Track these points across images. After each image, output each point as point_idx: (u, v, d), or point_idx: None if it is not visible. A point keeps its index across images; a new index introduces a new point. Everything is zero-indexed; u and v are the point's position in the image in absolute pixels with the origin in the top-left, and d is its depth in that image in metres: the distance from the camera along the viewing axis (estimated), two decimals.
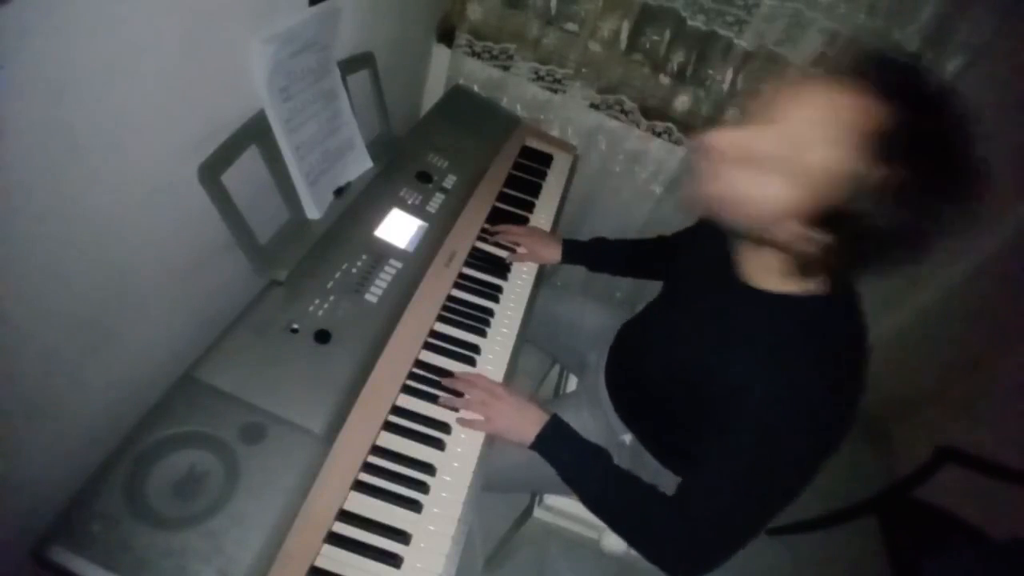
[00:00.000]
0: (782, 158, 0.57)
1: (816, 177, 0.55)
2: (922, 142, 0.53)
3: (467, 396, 0.85)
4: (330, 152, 0.93)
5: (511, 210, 1.21)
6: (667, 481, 0.84)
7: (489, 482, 0.83)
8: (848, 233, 0.56)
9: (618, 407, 0.97)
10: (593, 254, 1.16)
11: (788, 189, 0.57)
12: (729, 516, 0.70)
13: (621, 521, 0.80)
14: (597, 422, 0.98)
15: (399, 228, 0.96)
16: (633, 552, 1.04)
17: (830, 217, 0.56)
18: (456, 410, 0.85)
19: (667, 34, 1.32)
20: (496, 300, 1.03)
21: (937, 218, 0.54)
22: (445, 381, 0.86)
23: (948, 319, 1.70)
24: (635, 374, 0.92)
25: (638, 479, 0.80)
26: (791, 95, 0.59)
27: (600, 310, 1.19)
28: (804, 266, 0.63)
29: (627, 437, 0.96)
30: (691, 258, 0.90)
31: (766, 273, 0.68)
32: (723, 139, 0.63)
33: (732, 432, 0.67)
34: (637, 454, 0.94)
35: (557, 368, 1.37)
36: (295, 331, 0.77)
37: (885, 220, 0.54)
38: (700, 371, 0.72)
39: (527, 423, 0.83)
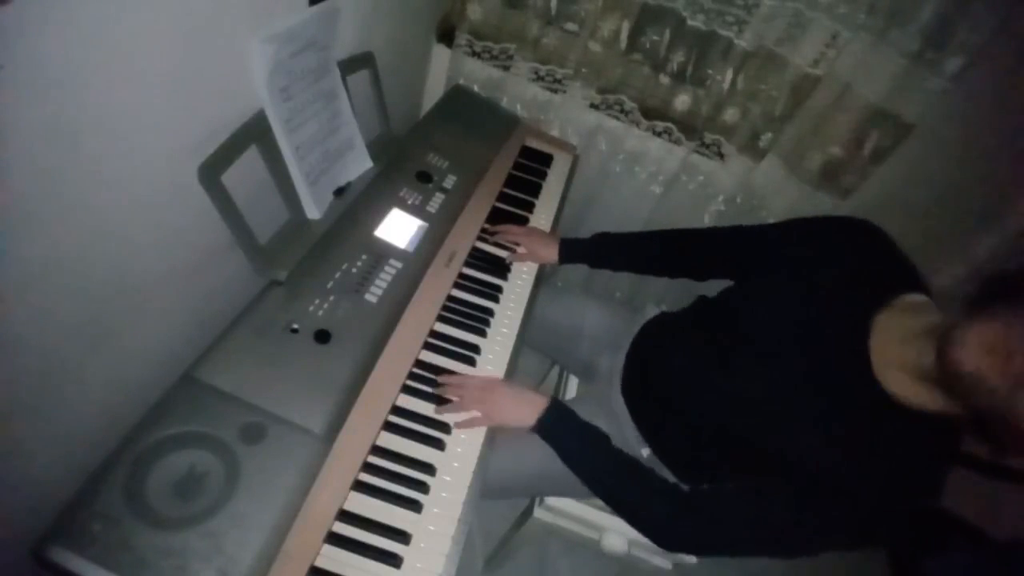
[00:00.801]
0: None
1: None
2: None
3: (464, 397, 0.85)
4: (330, 152, 0.93)
5: (511, 210, 1.21)
6: None
7: (487, 489, 0.83)
8: None
9: (639, 421, 0.94)
10: (594, 250, 1.12)
11: None
12: (735, 529, 0.71)
13: (621, 502, 0.81)
14: (611, 433, 0.90)
15: (399, 228, 0.96)
16: (633, 552, 1.05)
17: None
18: (455, 411, 0.85)
19: (667, 34, 1.32)
20: (496, 300, 1.03)
21: None
22: (436, 390, 0.86)
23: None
24: (673, 400, 0.88)
25: (640, 463, 0.81)
26: None
27: (601, 310, 1.17)
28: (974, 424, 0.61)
29: (645, 451, 0.93)
30: (785, 305, 0.80)
31: (899, 371, 0.65)
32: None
33: (798, 487, 0.68)
34: (653, 467, 0.90)
35: (557, 369, 1.37)
36: (295, 331, 0.77)
37: None
38: (791, 448, 0.70)
39: (526, 407, 0.84)
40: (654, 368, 0.94)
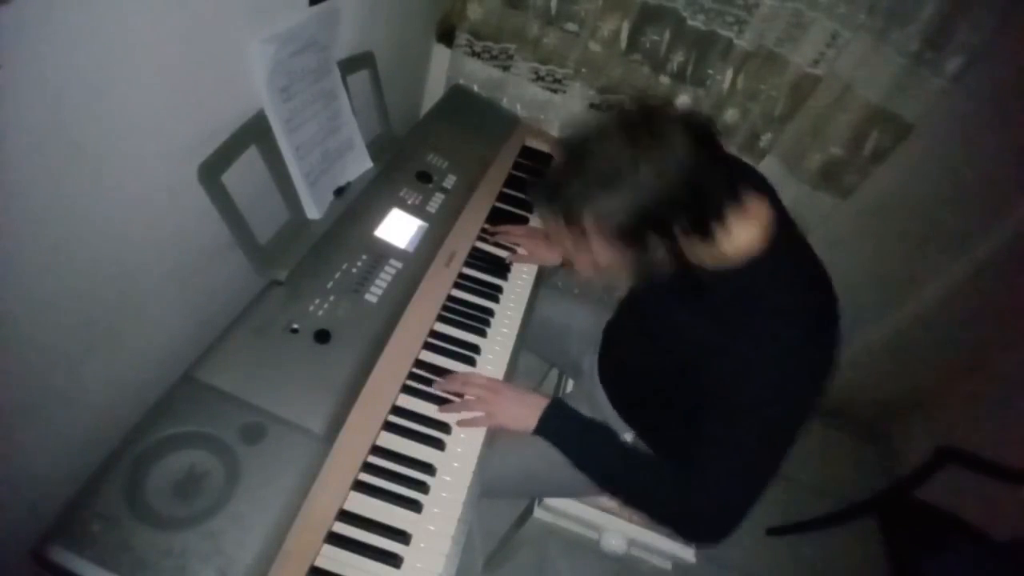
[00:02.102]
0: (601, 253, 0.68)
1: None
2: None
3: (466, 396, 0.85)
4: (330, 152, 0.93)
5: (511, 210, 1.21)
6: None
7: (488, 488, 0.83)
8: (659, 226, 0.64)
9: (615, 404, 0.97)
10: None
11: (621, 253, 0.67)
12: (739, 474, 0.72)
13: (635, 497, 0.81)
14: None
15: (399, 228, 0.96)
16: (633, 552, 1.05)
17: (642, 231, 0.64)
18: (457, 410, 0.85)
19: (667, 34, 1.32)
20: (496, 300, 1.03)
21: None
22: (437, 385, 0.86)
23: (948, 319, 1.70)
24: (624, 369, 0.95)
25: (644, 454, 0.82)
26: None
27: (589, 312, 1.19)
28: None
29: (628, 436, 0.96)
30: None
31: (696, 259, 0.70)
32: (579, 265, 0.74)
33: (718, 410, 0.71)
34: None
35: (557, 370, 1.36)
36: (295, 331, 0.77)
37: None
38: (680, 353, 0.77)
39: (528, 410, 0.84)
40: (613, 344, 1.00)
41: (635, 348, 0.93)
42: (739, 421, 0.70)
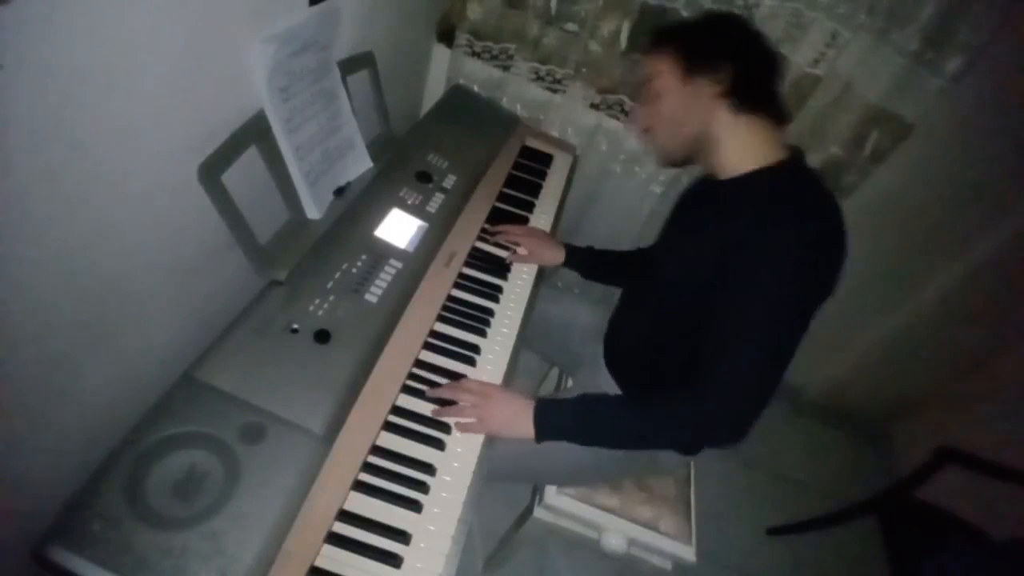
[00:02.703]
0: (667, 95, 0.84)
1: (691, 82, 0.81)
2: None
3: (458, 402, 0.84)
4: (330, 152, 0.93)
5: (511, 210, 1.21)
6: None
7: (492, 472, 0.83)
8: (731, 76, 0.79)
9: (621, 382, 0.99)
10: (587, 261, 1.18)
11: (684, 97, 0.82)
12: (748, 369, 0.72)
13: (650, 435, 0.81)
14: None
15: (399, 228, 0.96)
16: (633, 552, 1.05)
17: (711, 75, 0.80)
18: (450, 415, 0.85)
19: None
20: (496, 300, 1.03)
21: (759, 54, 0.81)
22: (430, 393, 0.85)
23: (948, 319, 1.70)
24: (633, 341, 0.99)
25: (638, 398, 0.84)
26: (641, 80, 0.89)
27: (590, 310, 1.20)
28: (739, 105, 0.80)
29: None
30: (671, 226, 1.02)
31: (727, 164, 0.83)
32: (642, 116, 0.90)
33: (733, 301, 0.74)
34: None
35: (557, 369, 1.37)
36: (295, 331, 0.77)
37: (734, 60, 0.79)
38: (698, 264, 0.82)
39: (517, 417, 0.83)
40: (621, 324, 1.05)
41: (647, 310, 0.96)
42: (755, 304, 0.72)
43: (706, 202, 0.91)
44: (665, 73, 0.83)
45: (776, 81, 0.82)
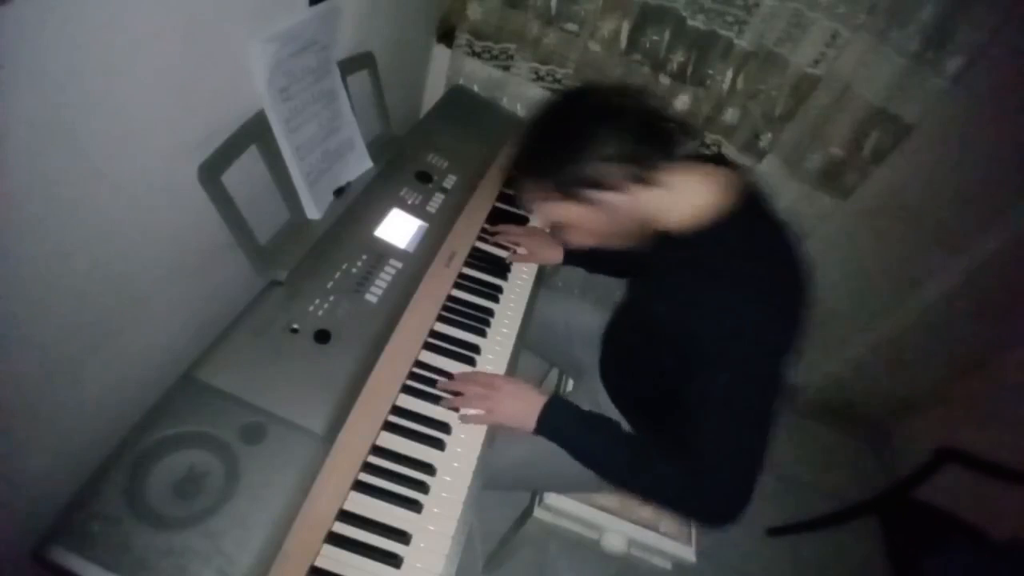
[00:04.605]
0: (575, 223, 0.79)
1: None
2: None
3: (466, 393, 0.85)
4: (330, 152, 0.93)
5: (511, 210, 1.21)
6: None
7: (491, 480, 0.83)
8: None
9: (617, 404, 0.98)
10: (591, 254, 1.15)
11: (591, 214, 0.75)
12: (734, 448, 0.70)
13: (645, 491, 0.80)
14: None
15: (399, 228, 0.96)
16: (633, 552, 1.05)
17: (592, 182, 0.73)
18: (457, 409, 0.85)
19: (667, 34, 1.32)
20: (496, 300, 1.03)
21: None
22: (441, 385, 0.86)
23: (948, 319, 1.70)
24: (623, 368, 0.96)
25: (646, 441, 0.80)
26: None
27: (589, 312, 1.19)
28: (648, 176, 0.73)
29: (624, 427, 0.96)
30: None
31: (675, 225, 0.76)
32: (573, 240, 0.83)
33: (698, 374, 0.71)
34: None
35: (557, 369, 1.36)
36: (295, 331, 0.77)
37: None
38: (658, 328, 0.79)
39: (526, 408, 0.83)
40: (612, 345, 1.02)
41: (631, 346, 0.94)
42: (718, 382, 0.69)
43: (662, 257, 0.82)
44: (559, 204, 0.76)
45: (663, 125, 0.74)
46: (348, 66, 0.96)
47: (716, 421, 0.70)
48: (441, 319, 0.95)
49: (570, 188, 0.73)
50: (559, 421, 0.83)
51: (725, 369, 0.68)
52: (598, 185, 0.72)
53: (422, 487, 0.76)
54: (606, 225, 0.77)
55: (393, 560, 0.69)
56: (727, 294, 0.68)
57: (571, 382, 1.23)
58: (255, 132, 0.77)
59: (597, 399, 1.00)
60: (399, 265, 0.91)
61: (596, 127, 0.71)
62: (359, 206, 0.96)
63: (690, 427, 0.73)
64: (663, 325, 0.77)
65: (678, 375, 0.75)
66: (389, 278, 0.89)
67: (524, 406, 0.83)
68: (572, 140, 0.72)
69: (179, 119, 0.66)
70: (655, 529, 1.04)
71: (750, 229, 0.73)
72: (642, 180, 0.72)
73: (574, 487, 1.02)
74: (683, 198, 0.74)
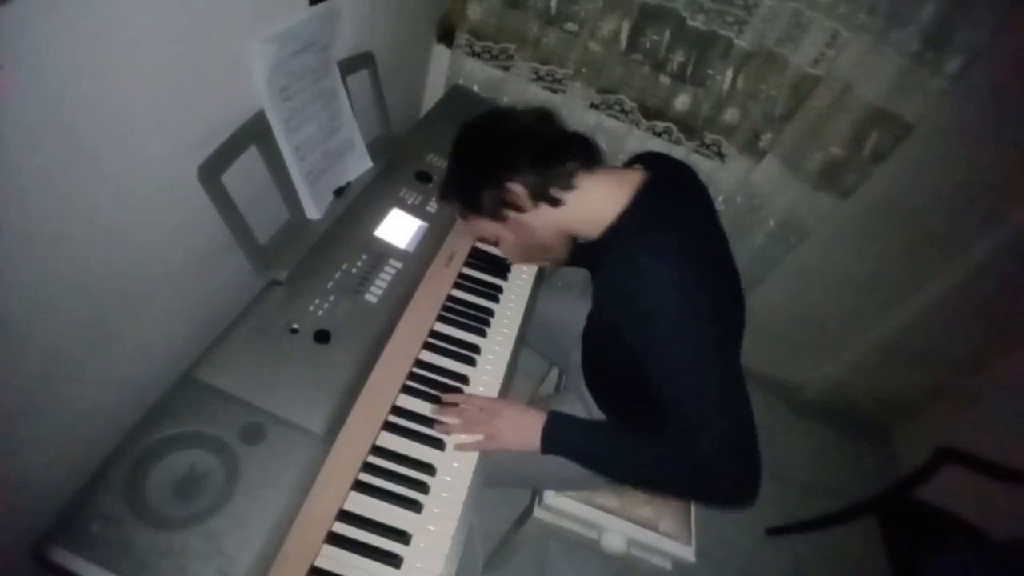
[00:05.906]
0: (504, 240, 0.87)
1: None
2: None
3: (463, 420, 0.84)
4: (330, 152, 0.93)
5: None
6: None
7: (491, 478, 0.83)
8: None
9: (600, 404, 0.99)
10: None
11: (513, 231, 0.84)
12: (714, 406, 0.70)
13: (660, 484, 0.82)
14: (587, 416, 1.00)
15: (399, 228, 0.96)
16: (633, 552, 1.05)
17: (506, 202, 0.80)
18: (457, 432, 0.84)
19: (667, 34, 1.32)
20: (496, 300, 1.04)
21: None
22: (435, 410, 0.85)
23: (948, 319, 1.70)
24: (599, 370, 0.99)
25: (647, 437, 0.79)
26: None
27: (586, 310, 1.19)
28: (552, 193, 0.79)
29: None
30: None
31: (591, 230, 0.80)
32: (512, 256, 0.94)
33: (647, 351, 0.72)
34: None
35: (557, 369, 1.37)
36: (295, 331, 0.77)
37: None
38: (608, 323, 0.83)
39: (528, 429, 0.83)
40: (587, 347, 1.03)
41: (598, 347, 0.98)
42: (668, 350, 0.70)
43: (594, 262, 0.85)
44: (479, 222, 0.84)
45: (563, 145, 0.80)
46: (348, 66, 0.96)
47: (687, 385, 0.70)
48: (441, 319, 0.95)
49: (483, 208, 0.81)
50: (563, 435, 0.82)
51: (664, 334, 0.70)
52: (505, 205, 0.79)
53: (422, 487, 0.76)
54: (525, 239, 0.85)
55: (393, 560, 0.69)
56: (637, 269, 0.71)
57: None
58: (255, 132, 0.77)
59: (585, 397, 1.01)
60: (399, 265, 0.91)
61: (500, 151, 0.79)
62: (359, 206, 0.96)
63: (668, 408, 0.73)
64: (610, 320, 0.81)
65: (638, 361, 0.75)
66: (389, 278, 0.89)
67: (527, 429, 0.83)
68: (478, 164, 0.81)
69: (179, 119, 0.67)
70: (655, 529, 1.04)
71: (652, 210, 0.76)
72: (543, 198, 0.79)
73: (574, 481, 1.02)
74: (587, 207, 0.79)
